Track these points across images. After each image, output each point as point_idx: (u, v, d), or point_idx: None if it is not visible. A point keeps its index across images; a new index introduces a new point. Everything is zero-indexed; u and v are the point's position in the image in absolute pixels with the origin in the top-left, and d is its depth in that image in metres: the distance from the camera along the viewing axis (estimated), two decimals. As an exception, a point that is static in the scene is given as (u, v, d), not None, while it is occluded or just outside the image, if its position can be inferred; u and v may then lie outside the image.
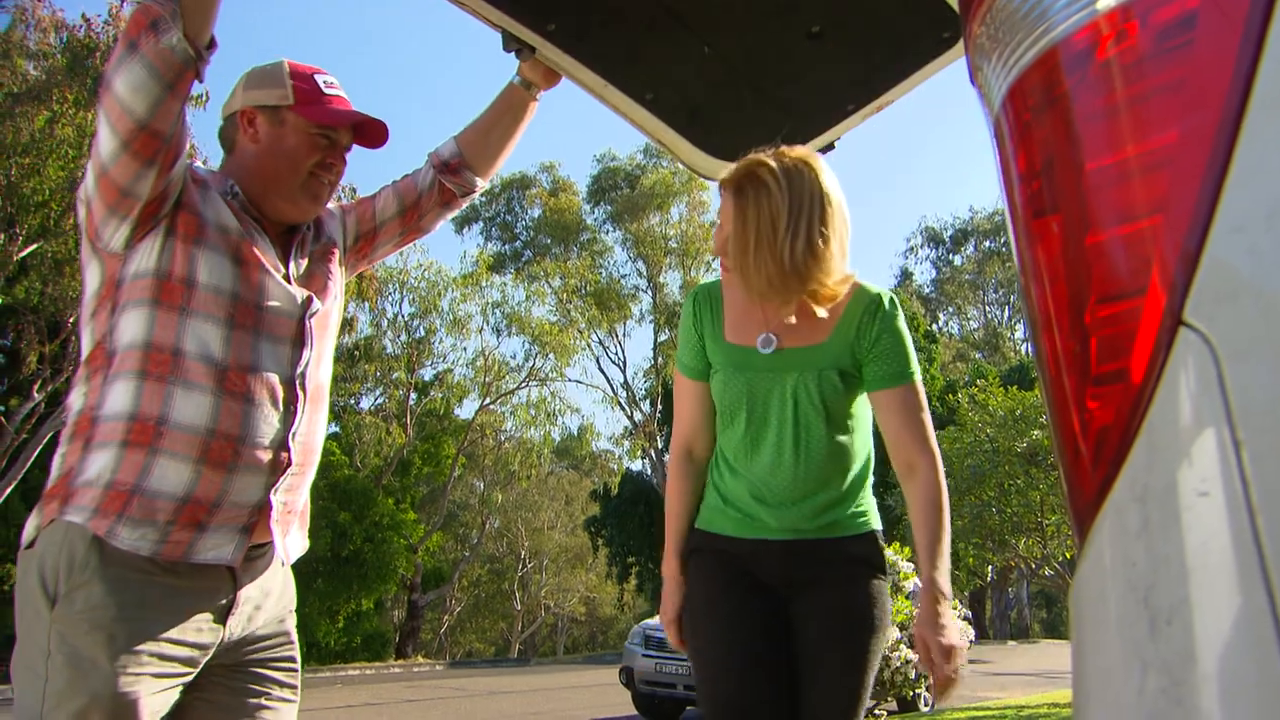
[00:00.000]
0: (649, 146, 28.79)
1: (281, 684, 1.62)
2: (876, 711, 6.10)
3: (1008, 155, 0.71)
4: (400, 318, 22.48)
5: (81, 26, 12.69)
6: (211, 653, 1.51)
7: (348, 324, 16.72)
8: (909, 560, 5.69)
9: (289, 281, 1.61)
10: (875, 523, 1.88)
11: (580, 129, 75.26)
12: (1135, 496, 0.55)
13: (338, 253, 1.76)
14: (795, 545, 1.81)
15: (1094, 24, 0.61)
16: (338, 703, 9.89)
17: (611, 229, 28.43)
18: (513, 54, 1.39)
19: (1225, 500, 0.50)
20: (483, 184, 1.86)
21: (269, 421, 1.53)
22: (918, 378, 1.84)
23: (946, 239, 42.18)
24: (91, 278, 1.56)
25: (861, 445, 1.89)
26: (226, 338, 1.50)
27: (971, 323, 42.26)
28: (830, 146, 1.49)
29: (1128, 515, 0.55)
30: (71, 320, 13.38)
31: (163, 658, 1.44)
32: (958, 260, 42.05)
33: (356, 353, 20.05)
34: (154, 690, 1.43)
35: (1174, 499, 0.52)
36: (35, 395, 13.68)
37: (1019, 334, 41.28)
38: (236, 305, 1.52)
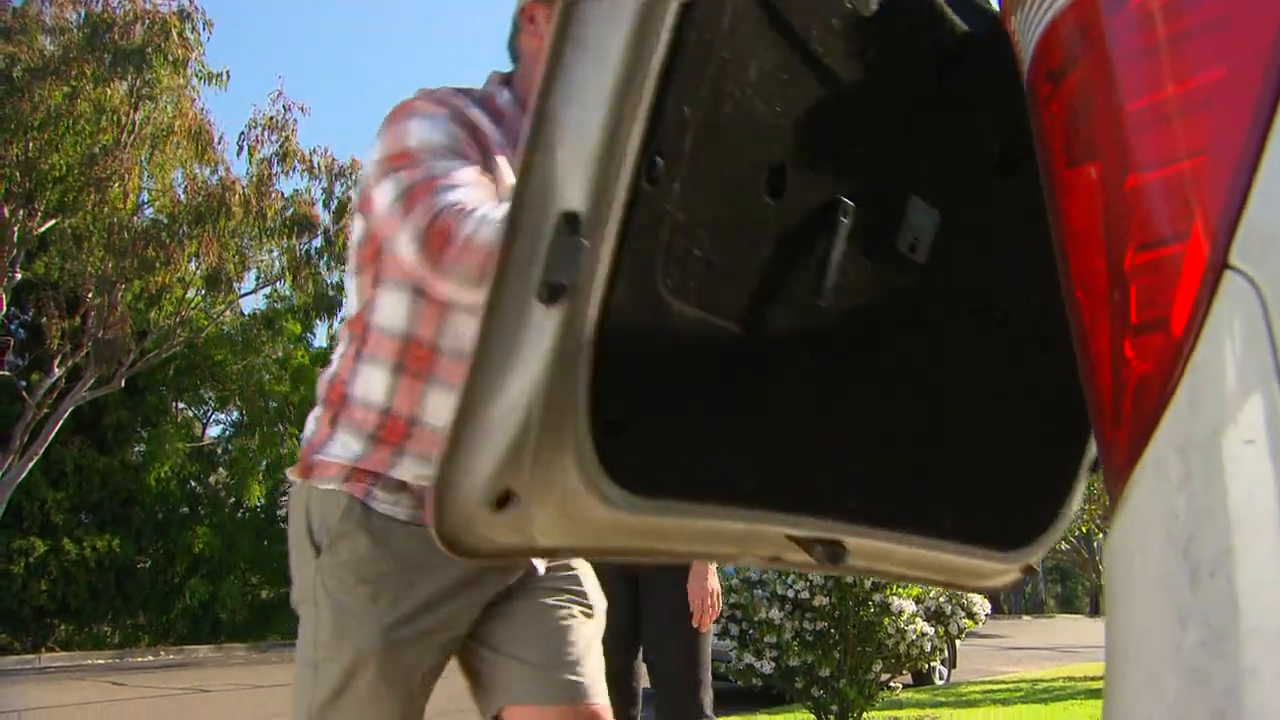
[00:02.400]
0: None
1: (573, 599, 1.53)
2: (892, 684, 6.12)
3: (1042, 101, 0.68)
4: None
5: (98, 1, 12.67)
6: (486, 600, 1.45)
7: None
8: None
9: None
10: None
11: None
12: (1176, 447, 0.53)
13: None
14: None
15: (1135, -39, 0.59)
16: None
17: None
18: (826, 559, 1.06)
19: (1272, 449, 0.48)
20: None
21: None
22: None
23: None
24: (358, 226, 1.48)
25: None
26: None
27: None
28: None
29: (1168, 466, 0.53)
30: (90, 296, 13.46)
31: (430, 613, 1.39)
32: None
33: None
34: (422, 647, 1.40)
35: (1218, 449, 0.51)
36: (56, 370, 13.77)
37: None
38: None
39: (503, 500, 0.76)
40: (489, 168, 1.36)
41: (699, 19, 0.76)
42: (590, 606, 1.54)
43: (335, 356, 1.49)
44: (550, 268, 0.71)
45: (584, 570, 1.57)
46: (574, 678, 1.45)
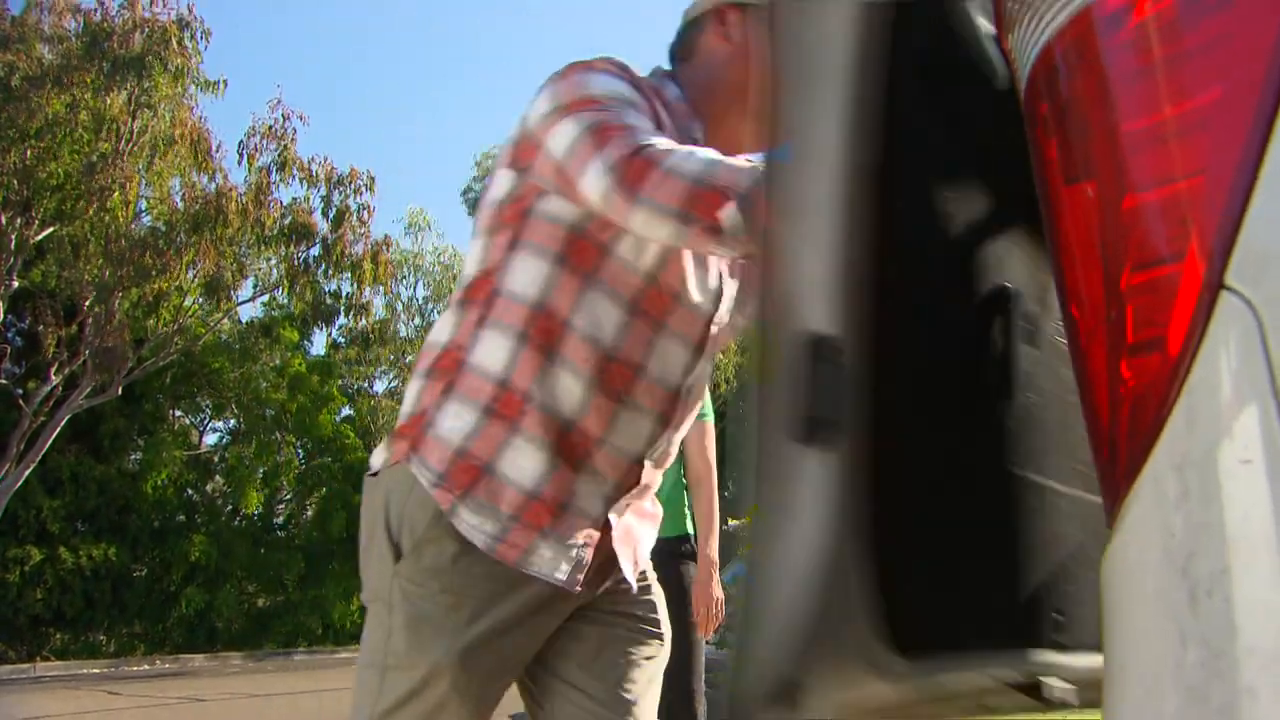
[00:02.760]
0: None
1: (647, 631, 1.47)
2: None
3: (1039, 121, 0.69)
4: (415, 301, 22.52)
5: (97, 10, 12.71)
6: (564, 618, 1.39)
7: (362, 309, 16.74)
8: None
9: (713, 270, 1.38)
10: (685, 527, 2.79)
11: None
12: (1174, 465, 0.53)
13: None
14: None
15: (1131, -17, 0.60)
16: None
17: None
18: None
19: (1268, 468, 0.49)
20: None
21: (636, 431, 1.34)
22: (708, 420, 2.82)
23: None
24: (501, 182, 1.36)
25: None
26: (625, 324, 1.30)
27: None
28: None
29: (1166, 484, 0.54)
30: (87, 303, 13.45)
31: (512, 629, 1.32)
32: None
33: (371, 336, 20.09)
34: (500, 662, 1.33)
35: (1215, 467, 0.51)
36: (53, 378, 13.76)
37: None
38: (648, 289, 1.31)
39: (789, 693, 0.66)
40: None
41: (904, 113, 0.71)
42: (660, 637, 1.48)
43: (448, 325, 1.37)
44: (810, 401, 0.63)
45: (659, 593, 1.51)
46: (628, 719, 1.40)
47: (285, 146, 14.15)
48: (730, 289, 1.41)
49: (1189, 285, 0.54)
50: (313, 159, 14.53)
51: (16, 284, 13.48)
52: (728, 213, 1.09)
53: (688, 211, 1.12)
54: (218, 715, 7.72)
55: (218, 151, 13.94)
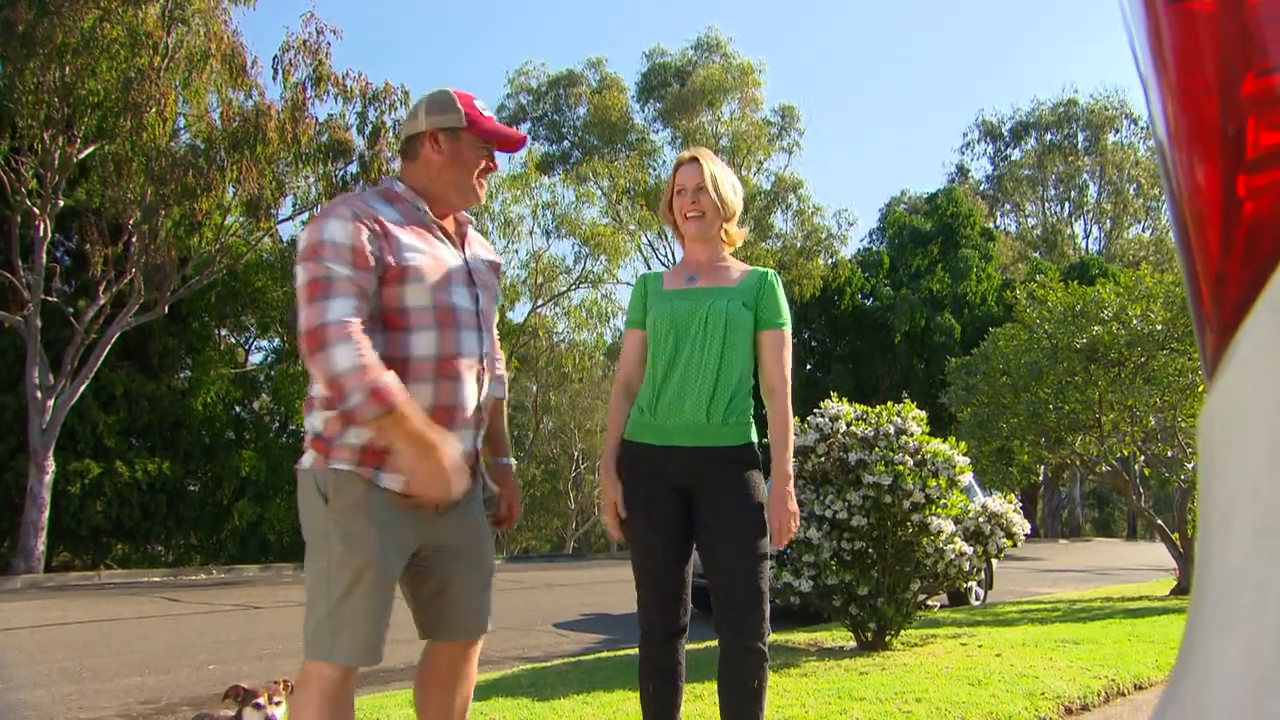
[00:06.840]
0: (700, 40, 27.95)
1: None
2: (929, 603, 6.15)
3: None
4: (452, 219, 22.47)
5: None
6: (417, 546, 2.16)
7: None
8: (964, 454, 5.62)
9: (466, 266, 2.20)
10: (752, 435, 2.65)
11: (628, 21, 73.17)
12: None
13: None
14: (695, 451, 2.59)
15: None
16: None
17: (661, 128, 27.88)
18: None
19: None
20: None
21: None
22: (787, 329, 2.69)
23: (1005, 133, 40.72)
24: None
25: (745, 366, 2.65)
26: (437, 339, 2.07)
27: (1029, 219, 41.03)
28: None
29: None
30: (132, 222, 13.58)
31: (399, 542, 2.06)
32: (1016, 155, 40.65)
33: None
34: (398, 562, 2.07)
35: None
36: (101, 296, 13.99)
37: (1079, 230, 40.06)
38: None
39: None
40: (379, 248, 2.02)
41: None
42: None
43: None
44: None
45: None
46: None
47: (320, 61, 14.01)
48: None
49: (1322, 88, 0.48)
50: (347, 74, 14.40)
51: (63, 203, 13.62)
52: (345, 396, 1.91)
53: (326, 384, 1.93)
54: (272, 622, 7.99)
55: (253, 67, 13.84)
